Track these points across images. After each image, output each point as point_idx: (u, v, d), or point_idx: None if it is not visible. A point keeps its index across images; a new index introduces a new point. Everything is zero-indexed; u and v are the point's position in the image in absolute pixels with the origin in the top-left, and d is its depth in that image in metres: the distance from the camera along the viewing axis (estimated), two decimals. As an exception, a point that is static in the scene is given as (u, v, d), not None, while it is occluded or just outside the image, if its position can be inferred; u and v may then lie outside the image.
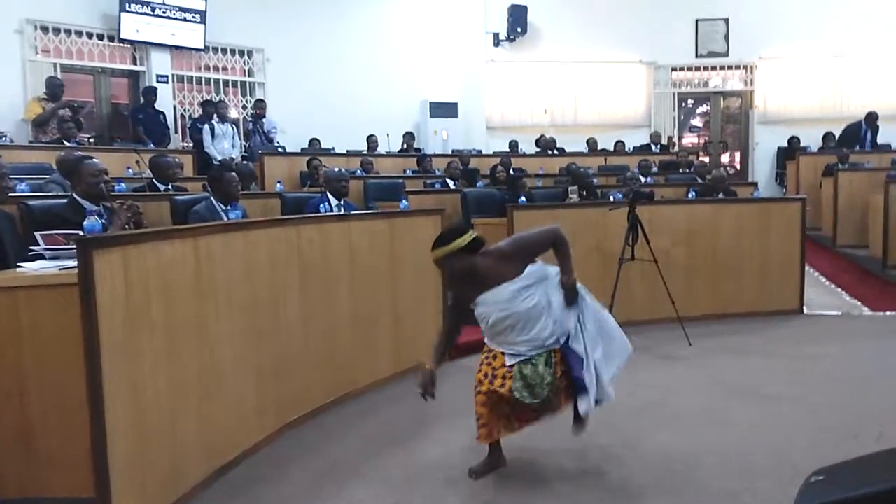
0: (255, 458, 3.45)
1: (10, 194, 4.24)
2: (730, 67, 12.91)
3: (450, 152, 10.69)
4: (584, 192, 7.01)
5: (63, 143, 7.43)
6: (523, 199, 6.29)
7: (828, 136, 11.11)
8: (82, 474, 2.52)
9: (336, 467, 3.36)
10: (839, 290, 7.42)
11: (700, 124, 13.90)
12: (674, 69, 12.91)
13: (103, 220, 3.64)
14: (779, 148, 12.21)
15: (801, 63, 12.43)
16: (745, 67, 12.79)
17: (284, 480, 3.23)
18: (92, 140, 8.77)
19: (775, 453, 3.36)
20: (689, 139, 13.94)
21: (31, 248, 2.99)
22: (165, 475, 2.88)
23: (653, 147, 11.64)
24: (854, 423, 3.73)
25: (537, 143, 11.59)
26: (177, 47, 9.88)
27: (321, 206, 5.07)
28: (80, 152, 5.54)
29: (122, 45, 9.51)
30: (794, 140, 11.64)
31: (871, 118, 10.75)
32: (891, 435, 3.45)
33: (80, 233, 2.97)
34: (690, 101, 13.78)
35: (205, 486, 3.11)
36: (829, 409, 3.97)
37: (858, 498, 2.19)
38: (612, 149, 11.43)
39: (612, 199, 6.50)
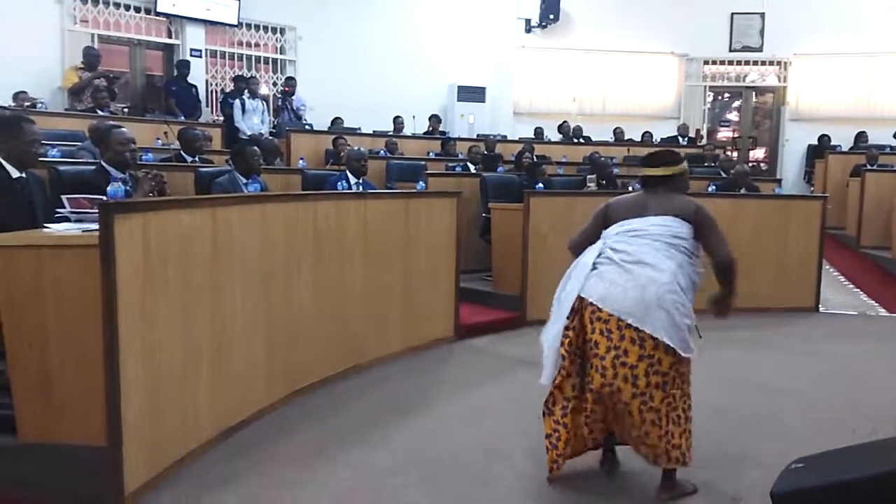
0: (263, 422, 3.60)
1: (43, 160, 4.43)
2: (763, 63, 12.75)
3: (475, 137, 10.75)
4: (604, 182, 7.04)
5: (96, 112, 7.64)
6: (541, 185, 6.34)
7: (860, 136, 10.97)
8: (96, 424, 2.67)
9: (339, 433, 3.50)
10: (857, 290, 7.39)
11: (735, 118, 13.77)
12: (706, 62, 12.79)
13: (128, 188, 3.80)
14: (809, 146, 12.07)
15: (836, 61, 12.23)
16: (778, 63, 12.63)
17: (289, 442, 3.38)
18: (125, 110, 8.99)
19: (769, 443, 3.43)
20: (724, 133, 13.83)
21: (58, 210, 3.15)
22: (176, 431, 3.03)
23: (680, 139, 11.58)
24: (852, 418, 3.77)
25: (559, 129, 11.58)
26: (211, 22, 10.04)
27: (339, 183, 5.18)
28: (110, 121, 5.72)
29: (157, 17, 9.69)
30: (824, 138, 11.49)
31: None
32: (885, 432, 3.49)
33: (105, 198, 3.11)
34: (726, 95, 13.65)
35: (214, 444, 3.27)
36: (828, 405, 4.02)
37: (830, 484, 2.27)
38: (639, 139, 11.40)
39: (630, 189, 6.53)
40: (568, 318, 2.82)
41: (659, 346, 2.67)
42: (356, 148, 6.21)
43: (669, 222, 2.82)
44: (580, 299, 2.80)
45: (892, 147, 10.45)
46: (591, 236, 2.99)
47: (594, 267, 2.83)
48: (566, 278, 2.94)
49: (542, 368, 2.92)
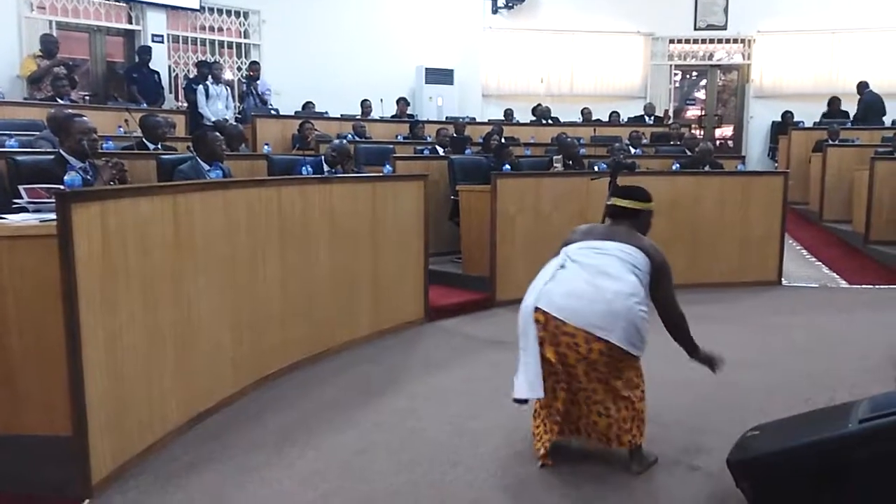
0: (231, 408, 3.61)
1: (1, 149, 4.37)
2: (728, 41, 12.88)
3: (444, 119, 10.74)
4: (571, 162, 7.09)
5: (57, 101, 7.49)
6: (508, 167, 6.38)
7: (833, 101, 11.06)
8: (61, 414, 2.67)
9: (308, 417, 3.52)
10: (819, 263, 7.55)
11: (702, 97, 13.89)
12: (671, 41, 12.88)
13: (88, 177, 3.77)
14: (773, 122, 12.24)
15: (799, 38, 12.40)
16: (742, 41, 12.76)
17: (258, 428, 3.39)
18: (87, 98, 8.84)
19: (727, 413, 3.52)
20: (692, 112, 13.97)
21: (15, 200, 3.11)
22: (143, 419, 3.03)
23: (646, 119, 11.68)
24: (807, 387, 3.89)
25: (534, 111, 11.63)
26: (172, 7, 9.87)
27: (303, 168, 5.17)
28: (70, 110, 5.62)
29: (117, 3, 9.51)
30: (787, 115, 11.66)
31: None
32: (840, 399, 3.59)
33: (62, 187, 3.08)
34: (694, 74, 13.78)
35: (181, 431, 3.28)
36: (785, 375, 4.13)
37: (782, 450, 2.35)
38: (606, 119, 11.47)
39: (595, 168, 6.59)
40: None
41: (625, 351, 2.78)
42: (341, 142, 6.19)
43: (632, 251, 2.87)
44: (544, 314, 2.80)
45: (852, 122, 10.65)
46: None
47: (553, 277, 2.87)
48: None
49: (519, 374, 2.88)
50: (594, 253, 2.90)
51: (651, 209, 3.10)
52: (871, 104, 10.79)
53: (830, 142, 9.18)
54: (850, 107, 11.10)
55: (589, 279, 2.80)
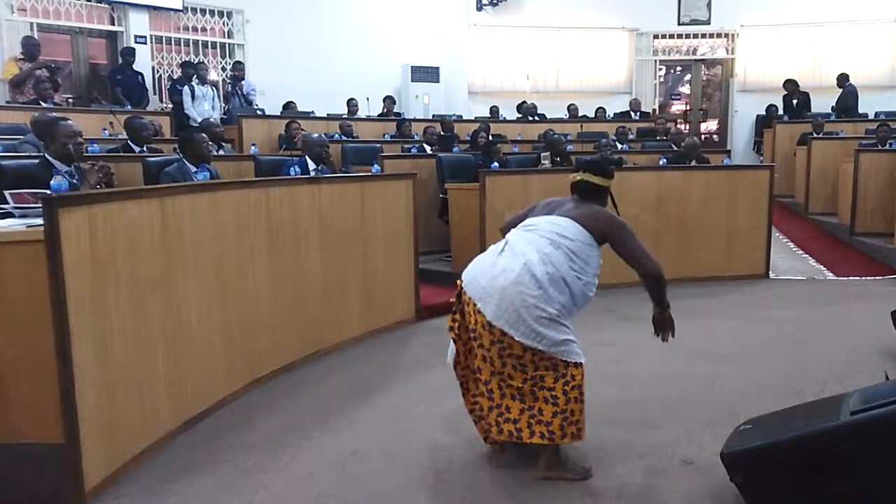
0: (224, 411, 3.60)
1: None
2: (711, 35, 12.94)
3: (430, 117, 10.72)
4: (558, 159, 7.11)
5: (40, 104, 7.42)
6: (496, 164, 6.38)
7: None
8: (52, 421, 2.65)
9: (302, 418, 3.51)
10: (806, 255, 7.62)
11: (687, 92, 13.95)
12: (655, 36, 12.90)
13: (74, 181, 3.73)
14: (757, 116, 12.31)
15: (782, 32, 12.46)
16: (726, 35, 12.82)
17: (251, 430, 3.38)
18: (71, 101, 8.75)
19: (718, 407, 3.55)
20: (677, 106, 14.02)
21: (0, 206, 3.07)
22: (135, 424, 3.01)
23: (632, 114, 11.71)
24: (798, 380, 3.92)
25: (519, 108, 11.64)
26: (155, 7, 9.77)
27: (291, 169, 5.14)
28: (54, 113, 5.56)
29: (99, 4, 9.41)
30: (771, 108, 11.73)
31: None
32: (831, 391, 3.62)
33: (49, 192, 3.04)
34: (678, 69, 13.83)
35: (174, 435, 3.26)
36: (775, 367, 4.16)
37: (775, 443, 2.36)
38: (593, 115, 11.49)
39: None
40: (454, 301, 2.91)
41: (507, 333, 2.69)
42: (316, 134, 6.15)
43: (562, 222, 2.83)
44: (461, 283, 2.87)
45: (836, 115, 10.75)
46: (517, 222, 3.02)
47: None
48: None
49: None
50: (522, 230, 2.89)
51: (609, 186, 3.06)
52: (849, 97, 10.95)
53: (815, 135, 9.25)
54: (830, 99, 11.23)
55: (494, 254, 2.83)
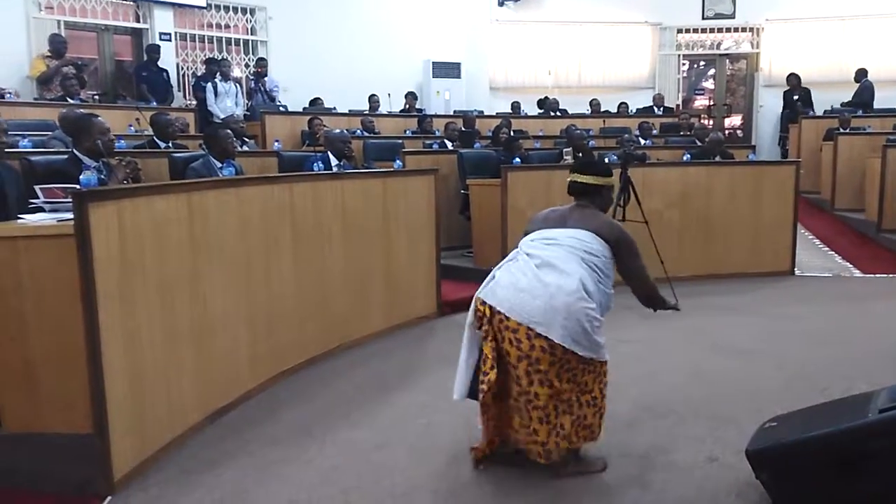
0: (249, 404, 3.64)
1: (14, 150, 4.39)
2: (736, 30, 12.78)
3: (451, 113, 10.71)
4: (580, 154, 7.07)
5: (67, 101, 7.52)
6: (518, 160, 6.37)
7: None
8: (81, 412, 2.70)
9: (325, 412, 3.54)
10: (832, 252, 7.52)
11: (710, 86, 13.81)
12: (679, 31, 12.80)
13: (102, 176, 3.78)
14: (783, 111, 12.15)
15: (808, 26, 12.29)
16: (751, 30, 12.67)
17: (276, 423, 3.42)
18: (97, 97, 8.86)
19: (743, 404, 3.52)
20: (700, 101, 13.89)
21: (31, 200, 3.13)
22: (162, 416, 3.06)
23: (655, 109, 11.62)
24: (824, 377, 3.88)
25: (540, 104, 11.59)
26: (179, 5, 9.88)
27: (314, 164, 5.17)
28: (83, 110, 5.65)
29: (125, 2, 9.52)
30: (797, 104, 11.57)
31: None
32: (858, 389, 3.57)
33: (78, 187, 3.09)
34: (701, 63, 13.70)
35: (200, 428, 3.30)
36: (801, 365, 4.12)
37: (801, 440, 2.34)
38: (615, 111, 11.43)
39: (606, 160, 6.56)
40: (479, 327, 2.79)
41: (568, 350, 2.65)
42: (338, 130, 6.19)
43: (584, 236, 2.80)
44: (490, 308, 2.74)
45: (864, 110, 10.58)
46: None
47: (505, 271, 2.82)
48: None
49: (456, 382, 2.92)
50: (544, 244, 2.82)
51: (611, 185, 3.02)
52: (865, 91, 10.83)
53: (841, 130, 9.12)
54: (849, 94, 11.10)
55: (534, 272, 2.72)
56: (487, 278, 2.87)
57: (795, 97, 11.40)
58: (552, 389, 2.70)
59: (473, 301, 2.85)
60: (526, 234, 2.98)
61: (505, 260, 2.92)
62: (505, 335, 2.71)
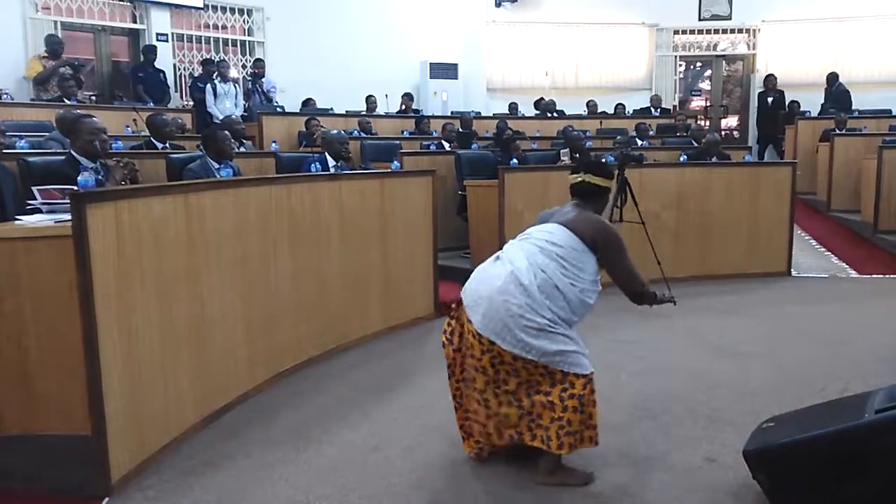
0: (247, 405, 3.64)
1: (10, 151, 4.38)
2: (732, 31, 12.81)
3: (449, 114, 10.72)
4: (577, 155, 7.08)
5: (64, 101, 7.51)
6: (515, 161, 6.37)
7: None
8: (79, 414, 2.69)
9: (323, 413, 3.54)
10: (828, 253, 7.53)
11: (707, 87, 13.84)
12: (676, 32, 12.82)
13: (100, 177, 3.78)
14: (779, 113, 12.17)
15: (804, 27, 12.33)
16: (747, 31, 12.69)
17: (274, 424, 3.42)
18: (93, 98, 8.85)
19: (740, 404, 3.53)
20: (697, 102, 13.91)
21: (29, 202, 3.13)
22: (160, 417, 3.05)
23: (652, 110, 11.64)
24: (821, 378, 3.88)
25: (536, 105, 11.60)
26: (176, 5, 9.88)
27: (312, 165, 5.17)
28: (79, 110, 5.64)
29: (121, 2, 9.51)
30: (793, 105, 11.60)
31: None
32: (854, 390, 3.59)
33: (76, 188, 3.09)
34: (698, 65, 13.72)
35: (198, 429, 3.30)
36: (798, 365, 4.13)
37: (798, 441, 2.35)
38: (612, 112, 11.44)
39: (603, 161, 6.57)
40: (453, 307, 2.89)
41: (494, 342, 2.66)
42: (335, 131, 6.19)
43: (553, 229, 2.80)
44: (460, 302, 2.83)
45: (860, 111, 10.61)
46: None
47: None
48: None
49: None
50: (517, 239, 2.88)
51: (609, 187, 3.01)
52: (839, 96, 10.88)
53: (837, 131, 9.14)
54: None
55: (490, 263, 2.81)
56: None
57: (769, 99, 11.49)
58: (486, 376, 2.75)
59: None
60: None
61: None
62: (466, 326, 2.78)
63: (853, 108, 10.70)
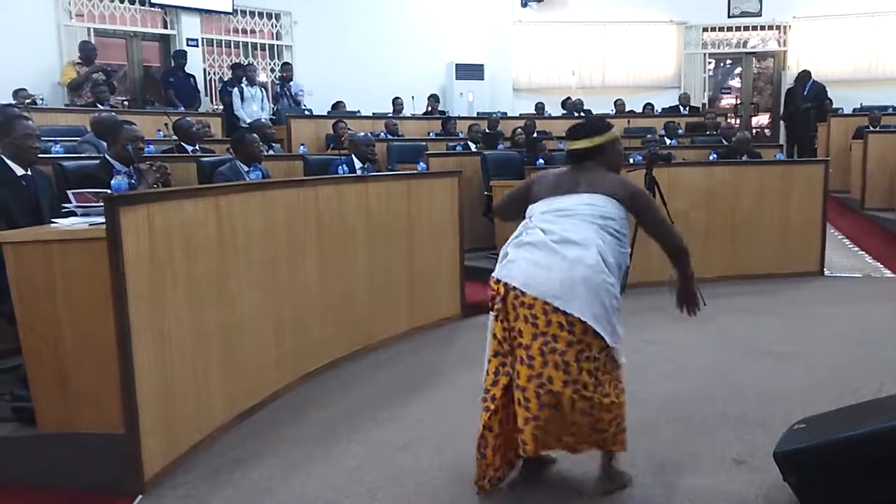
0: (276, 404, 3.68)
1: (46, 155, 4.48)
2: (762, 27, 12.65)
3: (475, 115, 10.73)
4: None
5: (97, 107, 7.67)
6: (541, 161, 6.36)
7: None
8: (113, 413, 2.75)
9: (352, 412, 3.57)
10: (862, 252, 7.40)
11: (737, 85, 13.67)
12: (705, 29, 12.70)
13: (132, 180, 3.86)
14: (811, 109, 11.97)
15: (836, 23, 12.13)
16: (778, 27, 12.52)
17: (302, 423, 3.45)
18: (125, 103, 9.02)
19: (772, 406, 3.48)
20: (727, 100, 13.76)
21: (64, 205, 3.20)
22: (191, 416, 3.10)
23: (681, 109, 11.53)
24: (854, 379, 3.81)
25: (564, 105, 11.56)
26: (206, 11, 10.04)
27: (339, 168, 5.22)
28: (119, 116, 5.75)
29: (152, 9, 9.69)
30: (826, 102, 11.41)
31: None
32: (888, 391, 3.52)
33: (109, 191, 3.15)
34: (728, 62, 13.57)
35: (228, 428, 3.35)
36: (830, 366, 4.06)
37: (830, 442, 2.32)
38: (640, 111, 11.36)
39: (631, 161, 6.53)
40: (491, 308, 2.60)
41: (588, 329, 2.46)
42: (362, 133, 6.24)
43: (598, 201, 2.59)
44: (504, 285, 2.55)
45: (894, 107, 10.40)
46: (515, 203, 2.85)
47: (518, 247, 2.61)
48: None
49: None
50: (557, 216, 2.60)
51: (613, 138, 2.76)
52: (819, 93, 10.81)
53: (871, 128, 8.97)
54: (886, 95, 10.92)
55: (551, 247, 2.51)
56: (500, 255, 2.67)
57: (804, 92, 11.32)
58: (568, 375, 2.46)
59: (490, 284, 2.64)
60: (530, 192, 2.77)
61: (514, 235, 2.68)
62: (519, 312, 2.49)
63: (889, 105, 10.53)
